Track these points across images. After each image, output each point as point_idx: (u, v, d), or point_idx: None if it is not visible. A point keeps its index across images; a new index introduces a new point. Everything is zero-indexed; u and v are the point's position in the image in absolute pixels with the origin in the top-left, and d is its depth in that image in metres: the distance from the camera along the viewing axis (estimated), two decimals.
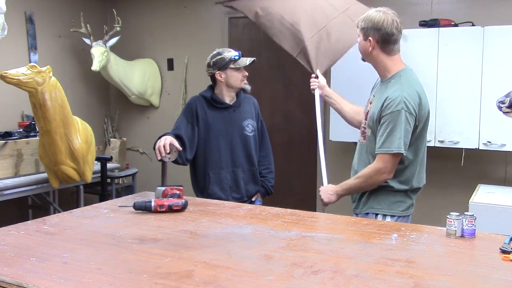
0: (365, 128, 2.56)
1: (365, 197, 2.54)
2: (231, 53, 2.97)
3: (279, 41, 3.43)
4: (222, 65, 2.95)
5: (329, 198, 2.64)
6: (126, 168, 5.12)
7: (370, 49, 2.41)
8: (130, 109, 5.68)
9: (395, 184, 2.46)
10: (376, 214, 2.50)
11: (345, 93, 3.14)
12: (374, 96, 2.54)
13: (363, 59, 2.54)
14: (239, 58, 2.96)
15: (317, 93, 3.10)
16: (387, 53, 2.42)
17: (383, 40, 2.38)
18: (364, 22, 2.41)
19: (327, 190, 2.68)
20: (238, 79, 2.98)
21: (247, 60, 2.97)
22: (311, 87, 3.08)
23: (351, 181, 2.54)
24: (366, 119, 2.54)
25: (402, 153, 2.36)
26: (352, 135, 3.21)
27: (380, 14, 2.39)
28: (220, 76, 2.98)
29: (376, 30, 2.37)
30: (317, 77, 3.09)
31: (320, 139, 3.27)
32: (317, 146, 3.37)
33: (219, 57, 2.96)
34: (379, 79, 2.59)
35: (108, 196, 4.39)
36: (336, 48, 3.35)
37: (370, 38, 2.39)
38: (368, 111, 2.54)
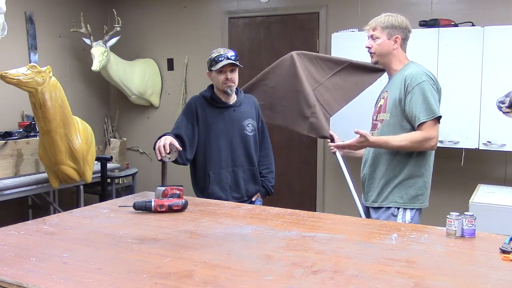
0: (376, 120, 2.68)
1: (388, 191, 2.61)
2: (216, 54, 2.92)
3: (289, 125, 3.57)
4: (209, 65, 2.97)
5: (360, 141, 2.53)
6: (126, 168, 5.12)
7: (396, 46, 2.63)
8: (130, 109, 5.68)
9: (418, 169, 2.57)
10: (398, 208, 2.59)
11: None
12: (386, 91, 2.67)
13: (376, 62, 2.71)
14: (220, 60, 2.88)
15: (338, 155, 3.25)
16: (403, 49, 2.69)
17: (405, 37, 2.66)
18: (387, 23, 2.63)
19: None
20: (219, 81, 2.93)
21: (218, 65, 2.87)
22: (331, 151, 3.19)
23: (394, 138, 2.52)
24: (379, 112, 2.67)
25: (441, 116, 2.49)
26: (352, 135, 3.22)
27: (398, 16, 2.65)
28: (209, 76, 3.00)
29: (401, 29, 2.63)
30: (332, 140, 3.21)
31: (355, 196, 3.31)
32: (345, 184, 3.42)
33: (209, 57, 2.97)
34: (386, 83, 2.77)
35: (108, 196, 4.39)
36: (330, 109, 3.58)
37: (397, 36, 2.62)
38: (381, 105, 2.67)
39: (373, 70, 3.44)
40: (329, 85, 3.54)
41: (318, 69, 3.57)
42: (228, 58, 2.89)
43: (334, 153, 3.20)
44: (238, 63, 2.95)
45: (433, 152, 2.63)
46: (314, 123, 3.37)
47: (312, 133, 3.45)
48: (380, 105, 2.68)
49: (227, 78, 2.92)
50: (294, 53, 3.54)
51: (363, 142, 2.53)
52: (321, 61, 3.60)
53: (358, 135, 2.51)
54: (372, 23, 2.66)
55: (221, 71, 2.91)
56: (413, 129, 2.54)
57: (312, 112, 3.37)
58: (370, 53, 2.69)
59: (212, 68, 2.92)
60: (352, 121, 3.83)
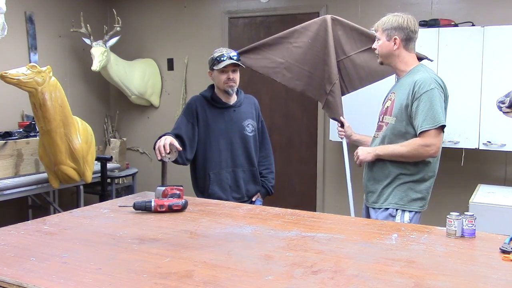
0: (382, 121, 2.67)
1: (388, 193, 2.60)
2: (218, 54, 2.93)
3: (308, 91, 3.48)
4: (210, 65, 2.97)
5: (364, 156, 2.63)
6: (126, 168, 5.12)
7: (396, 47, 2.59)
8: (130, 109, 5.68)
9: (422, 172, 2.57)
10: (396, 209, 2.59)
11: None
12: (393, 93, 2.66)
13: (382, 62, 2.70)
14: (222, 60, 2.89)
15: (344, 143, 3.26)
16: (408, 50, 2.63)
17: (407, 38, 2.60)
18: (387, 24, 2.60)
19: (365, 149, 2.69)
20: (220, 80, 2.94)
21: (221, 65, 2.89)
22: (339, 136, 3.24)
23: (395, 146, 2.55)
24: (385, 113, 2.65)
25: (445, 125, 2.48)
26: (358, 129, 3.24)
27: (401, 16, 2.60)
28: (210, 75, 3.00)
29: (402, 30, 2.58)
30: (342, 126, 3.19)
31: (349, 183, 3.34)
32: (343, 176, 3.45)
33: (211, 56, 2.97)
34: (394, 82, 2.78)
35: (108, 196, 4.39)
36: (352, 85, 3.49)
37: (395, 37, 2.58)
38: (387, 106, 2.66)
39: None
40: (357, 60, 3.38)
41: (350, 41, 3.39)
42: (230, 58, 2.90)
43: (342, 139, 3.21)
44: (240, 63, 2.95)
45: (438, 157, 2.62)
46: (331, 102, 3.31)
47: (326, 110, 3.41)
48: (387, 106, 2.67)
49: (228, 78, 2.92)
50: (328, 17, 3.36)
51: (370, 153, 2.60)
52: (355, 33, 3.39)
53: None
54: (375, 25, 2.66)
55: (223, 70, 2.91)
56: (416, 135, 2.53)
57: (332, 90, 3.30)
58: (377, 54, 2.70)
59: (214, 67, 2.92)
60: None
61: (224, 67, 2.89)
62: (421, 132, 2.47)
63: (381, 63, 2.72)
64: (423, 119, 2.46)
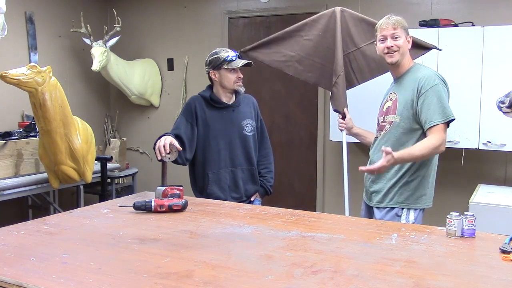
0: (384, 121, 2.68)
1: (393, 192, 2.62)
2: (226, 54, 2.95)
3: (320, 83, 3.54)
4: (217, 64, 2.96)
5: (388, 160, 2.43)
6: (126, 168, 5.12)
7: (409, 46, 2.68)
8: (130, 109, 5.68)
9: (425, 168, 2.60)
10: (402, 208, 2.61)
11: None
12: (394, 93, 2.68)
13: (397, 61, 2.64)
14: (234, 60, 2.94)
15: (344, 135, 3.24)
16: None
17: None
18: (404, 24, 2.65)
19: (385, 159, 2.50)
20: (231, 80, 2.96)
21: (240, 62, 2.95)
22: (339, 128, 3.23)
23: (412, 153, 2.48)
24: (387, 113, 2.67)
25: (454, 118, 2.53)
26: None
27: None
28: (214, 75, 3.00)
29: (408, 30, 2.68)
30: (344, 117, 3.18)
31: (345, 178, 3.35)
32: (342, 175, 3.46)
33: (215, 56, 2.97)
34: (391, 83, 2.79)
35: (108, 196, 4.40)
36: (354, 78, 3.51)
37: (410, 36, 2.68)
38: (388, 106, 2.67)
39: (418, 46, 3.28)
40: (367, 52, 3.38)
41: (360, 33, 3.40)
42: (240, 58, 2.96)
43: (341, 131, 3.22)
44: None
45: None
46: (335, 93, 3.33)
47: (331, 101, 3.42)
48: (388, 106, 2.67)
49: (239, 77, 2.96)
50: (338, 9, 3.38)
51: (390, 160, 2.43)
52: (365, 25, 3.37)
53: (384, 154, 2.41)
54: (390, 23, 2.59)
55: (233, 69, 2.94)
56: (423, 131, 2.53)
57: (336, 82, 3.32)
58: (392, 52, 2.60)
59: (225, 67, 2.93)
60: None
61: (238, 67, 2.94)
62: (431, 127, 2.47)
63: (395, 62, 2.63)
64: (433, 114, 2.47)
